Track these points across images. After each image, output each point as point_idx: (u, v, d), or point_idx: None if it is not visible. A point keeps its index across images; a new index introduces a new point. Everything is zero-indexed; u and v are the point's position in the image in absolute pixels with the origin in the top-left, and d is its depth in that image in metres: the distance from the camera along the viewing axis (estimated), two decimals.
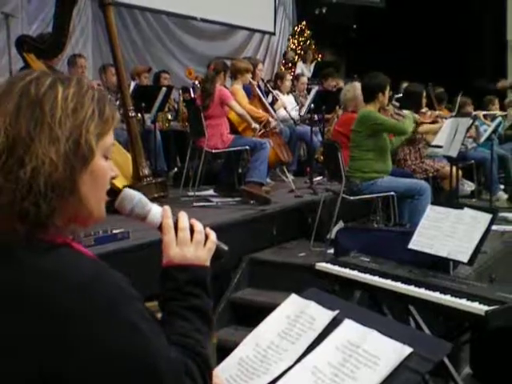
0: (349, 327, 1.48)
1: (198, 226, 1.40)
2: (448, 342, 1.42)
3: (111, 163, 1.27)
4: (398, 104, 8.22)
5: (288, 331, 1.58)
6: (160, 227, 1.39)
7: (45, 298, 1.11)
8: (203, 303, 1.34)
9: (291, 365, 1.48)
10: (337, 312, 1.55)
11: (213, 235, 1.41)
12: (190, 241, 1.37)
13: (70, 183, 1.17)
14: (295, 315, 1.61)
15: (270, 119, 7.18)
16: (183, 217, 1.40)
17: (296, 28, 14.25)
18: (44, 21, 8.99)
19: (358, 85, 6.51)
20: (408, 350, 1.34)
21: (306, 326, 1.57)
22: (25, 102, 1.17)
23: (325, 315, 1.56)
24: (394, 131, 5.75)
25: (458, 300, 3.22)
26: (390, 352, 1.35)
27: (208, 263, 1.39)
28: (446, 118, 7.19)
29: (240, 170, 7.18)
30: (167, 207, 1.41)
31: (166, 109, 8.47)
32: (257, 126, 6.83)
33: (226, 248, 1.45)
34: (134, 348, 1.12)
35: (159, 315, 1.32)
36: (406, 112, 6.64)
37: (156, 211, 1.40)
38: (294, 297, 1.70)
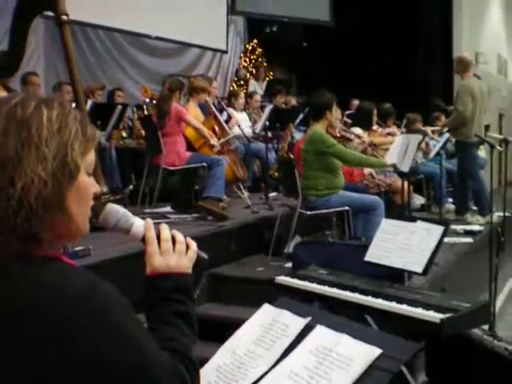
0: (321, 332, 1.58)
1: (180, 236, 1.49)
2: (413, 343, 1.53)
3: (93, 179, 1.34)
4: (349, 121, 8.43)
5: (262, 338, 1.68)
6: (143, 239, 1.47)
7: (42, 310, 1.16)
8: (188, 309, 1.42)
9: (267, 370, 1.57)
10: (309, 319, 1.65)
11: (193, 245, 1.50)
12: (173, 251, 1.45)
13: (59, 199, 1.23)
14: (269, 323, 1.71)
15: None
16: (165, 229, 1.48)
17: (247, 46, 14.40)
18: None
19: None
20: (378, 351, 1.45)
21: (279, 332, 1.66)
22: (12, 124, 1.23)
23: (297, 322, 1.66)
24: (339, 157, 5.75)
25: (413, 309, 3.34)
26: (362, 354, 1.46)
27: (190, 271, 1.47)
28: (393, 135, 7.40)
29: (196, 187, 7.25)
30: (149, 220, 1.49)
31: (121, 126, 8.51)
32: (215, 142, 6.92)
33: (205, 256, 1.54)
34: (128, 354, 1.19)
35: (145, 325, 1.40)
36: (359, 132, 6.82)
37: (139, 224, 1.48)
38: (266, 306, 1.80)
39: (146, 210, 6.70)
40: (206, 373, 1.66)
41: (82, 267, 1.33)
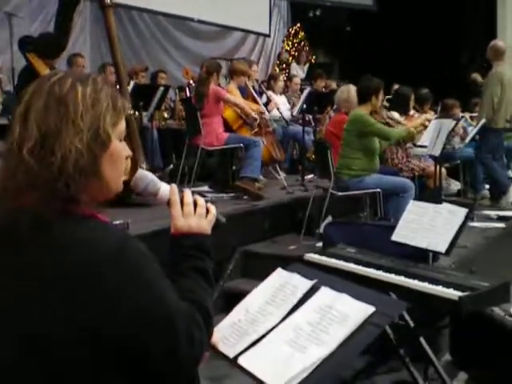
0: (324, 293, 1.76)
1: (201, 200, 1.67)
2: (403, 302, 1.70)
3: (125, 144, 1.52)
4: (387, 104, 8.49)
5: (274, 298, 1.86)
6: (168, 202, 1.66)
7: (80, 262, 1.36)
8: (206, 265, 1.60)
9: (275, 324, 1.76)
10: (315, 281, 1.83)
11: (213, 209, 1.68)
12: (194, 213, 1.64)
13: (93, 166, 1.42)
14: (280, 284, 1.89)
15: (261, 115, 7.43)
16: (188, 193, 1.67)
17: (290, 30, 14.49)
18: (44, 20, 9.22)
19: (352, 87, 6.78)
20: (372, 308, 1.62)
21: (289, 293, 1.85)
22: (51, 100, 1.42)
23: (305, 284, 1.84)
24: (379, 135, 5.93)
25: (434, 287, 3.48)
26: (357, 311, 1.63)
27: (209, 232, 1.65)
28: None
29: (234, 167, 7.43)
30: (174, 185, 1.69)
31: (163, 107, 8.73)
32: (256, 116, 7.09)
33: (223, 219, 1.72)
34: (153, 301, 1.38)
35: None
36: (396, 117, 6.91)
37: (165, 189, 1.67)
38: (279, 270, 1.99)
39: (171, 184, 6.88)
40: (222, 328, 1.84)
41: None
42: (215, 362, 1.84)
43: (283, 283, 1.90)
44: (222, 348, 1.77)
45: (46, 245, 1.39)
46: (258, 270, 5.45)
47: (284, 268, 2.00)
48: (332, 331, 1.61)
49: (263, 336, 1.73)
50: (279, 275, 1.96)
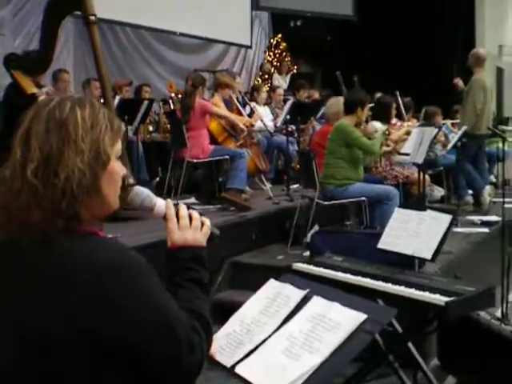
0: (317, 302, 1.82)
1: (196, 214, 1.74)
2: (394, 308, 1.76)
3: (121, 164, 1.59)
4: (369, 113, 8.58)
5: (267, 308, 1.92)
6: (164, 217, 1.72)
7: (81, 277, 1.41)
8: (202, 276, 1.67)
9: (270, 334, 1.82)
10: (307, 291, 1.89)
11: (207, 222, 1.75)
12: (189, 227, 1.70)
13: (95, 185, 1.48)
14: (273, 295, 1.96)
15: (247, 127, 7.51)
16: (183, 207, 1.74)
17: (272, 41, 14.59)
18: (27, 36, 9.20)
19: (341, 100, 6.86)
20: (363, 316, 1.69)
21: (282, 303, 1.91)
22: (52, 124, 1.48)
23: (297, 294, 1.90)
24: (363, 150, 6.00)
25: (420, 293, 3.54)
26: (349, 319, 1.70)
27: (204, 244, 1.72)
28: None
29: (220, 179, 7.49)
30: (169, 200, 1.75)
31: (148, 121, 8.77)
32: (243, 127, 7.17)
33: (217, 232, 1.78)
34: (154, 312, 1.44)
35: None
36: (378, 126, 6.99)
37: (161, 203, 1.73)
38: (272, 281, 2.05)
39: (166, 199, 6.91)
40: (218, 338, 1.90)
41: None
42: (209, 373, 1.90)
43: (276, 294, 1.96)
44: (219, 358, 1.83)
45: (48, 259, 1.44)
46: (247, 281, 5.54)
47: (276, 279, 2.06)
48: (325, 339, 1.67)
49: (259, 345, 1.79)
50: (272, 286, 2.02)
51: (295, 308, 1.87)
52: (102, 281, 1.41)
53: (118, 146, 1.56)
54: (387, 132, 6.42)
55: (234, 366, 1.77)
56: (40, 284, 1.43)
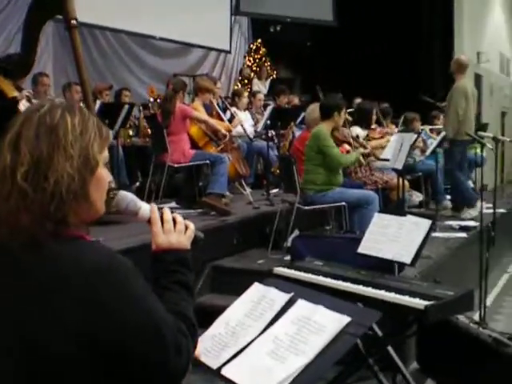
0: (301, 305, 1.85)
1: (179, 218, 1.76)
2: (377, 311, 1.80)
3: (107, 170, 1.62)
4: (350, 118, 8.65)
5: (252, 311, 1.95)
6: (149, 220, 1.74)
7: (72, 280, 1.43)
8: (187, 278, 1.70)
9: (255, 337, 1.84)
10: (292, 294, 1.92)
11: (191, 225, 1.77)
12: (174, 230, 1.72)
13: (83, 190, 1.51)
14: (258, 298, 1.98)
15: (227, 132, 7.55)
16: (167, 211, 1.76)
17: (252, 46, 14.63)
18: (7, 38, 9.16)
19: None
20: (347, 319, 1.72)
21: (267, 306, 1.93)
22: (42, 129, 1.50)
23: (282, 297, 1.93)
24: (332, 159, 6.00)
25: (400, 296, 3.60)
26: (334, 321, 1.73)
27: (189, 247, 1.75)
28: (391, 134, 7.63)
29: (200, 184, 7.50)
30: (154, 204, 1.78)
31: (127, 125, 8.76)
32: (225, 131, 7.21)
33: (202, 235, 1.81)
34: (140, 312, 1.47)
35: None
36: (358, 131, 7.05)
37: (145, 208, 1.76)
38: (256, 284, 2.07)
39: (151, 203, 6.91)
40: (203, 340, 1.92)
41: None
42: (192, 376, 1.92)
43: (261, 297, 1.99)
44: (205, 359, 1.85)
45: (39, 263, 1.46)
46: (228, 285, 5.57)
47: (261, 282, 2.09)
48: (310, 341, 1.70)
49: (244, 348, 1.81)
50: (257, 289, 2.05)
51: (280, 311, 1.89)
52: (90, 284, 1.43)
53: (106, 153, 1.59)
54: (368, 139, 6.48)
55: (219, 368, 1.79)
56: (33, 287, 1.45)
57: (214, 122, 7.23)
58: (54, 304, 1.44)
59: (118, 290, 1.45)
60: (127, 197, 1.75)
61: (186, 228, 1.76)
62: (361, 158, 6.27)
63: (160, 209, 1.77)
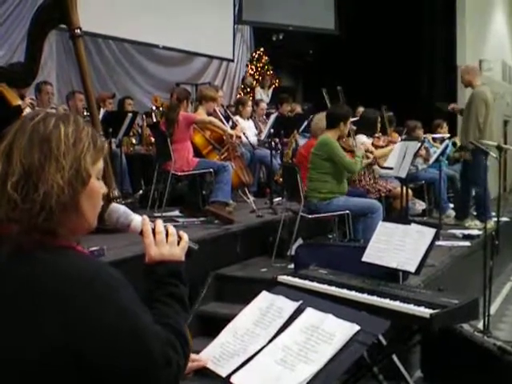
0: (310, 313, 1.85)
1: (172, 229, 1.75)
2: (386, 320, 1.80)
3: (101, 182, 1.60)
4: (354, 127, 8.67)
5: (260, 320, 1.95)
6: (141, 232, 1.74)
7: (56, 289, 1.42)
8: (180, 291, 1.68)
9: (264, 345, 1.85)
10: (300, 302, 1.93)
11: (185, 236, 1.76)
12: (166, 242, 1.72)
13: (73, 202, 1.48)
14: (266, 307, 1.99)
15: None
16: (159, 223, 1.75)
17: (254, 54, 14.67)
18: (11, 48, 9.21)
19: None
20: (356, 327, 1.72)
21: (275, 315, 1.94)
22: (35, 138, 1.48)
23: (290, 305, 1.94)
24: (345, 168, 6.04)
25: (405, 305, 3.59)
26: (343, 330, 1.73)
27: (183, 258, 1.73)
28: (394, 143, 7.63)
29: (204, 192, 7.52)
30: (145, 216, 1.77)
31: (131, 133, 8.79)
32: (230, 132, 7.25)
33: (195, 247, 1.79)
34: (127, 325, 1.44)
35: None
36: (363, 140, 7.05)
37: (137, 220, 1.75)
38: (264, 293, 2.08)
39: (156, 214, 6.95)
40: (211, 349, 1.93)
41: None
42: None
43: (269, 305, 1.99)
44: (214, 368, 1.85)
45: (23, 275, 1.44)
46: (231, 293, 5.59)
47: (269, 291, 2.09)
48: (319, 350, 1.70)
49: (253, 356, 1.82)
50: (264, 298, 2.05)
51: (288, 319, 1.90)
52: (73, 292, 1.41)
53: (100, 164, 1.57)
54: (370, 149, 6.49)
55: (229, 376, 1.79)
56: (11, 294, 1.44)
57: (219, 122, 7.29)
58: (33, 311, 1.42)
59: (102, 299, 1.43)
60: (119, 209, 1.74)
61: (180, 239, 1.75)
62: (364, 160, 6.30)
63: (152, 221, 1.76)
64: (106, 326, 1.42)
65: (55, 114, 1.56)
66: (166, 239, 1.71)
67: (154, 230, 1.72)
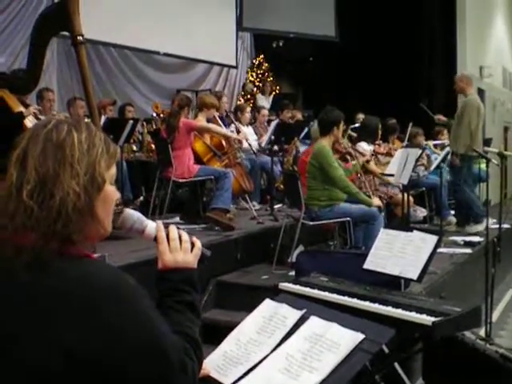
0: (314, 322, 1.84)
1: (185, 236, 1.75)
2: (391, 328, 1.79)
3: (114, 187, 1.60)
4: (354, 134, 8.66)
5: (264, 328, 1.94)
6: (155, 239, 1.73)
7: (77, 298, 1.41)
8: (193, 298, 1.68)
9: (268, 354, 1.83)
10: (304, 311, 1.92)
11: (198, 243, 1.76)
12: (180, 248, 1.71)
13: (90, 207, 1.49)
14: (269, 315, 1.98)
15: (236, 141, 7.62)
16: (173, 229, 1.75)
17: (254, 61, 14.68)
18: (12, 53, 9.22)
19: None
20: (361, 336, 1.71)
21: (279, 323, 1.93)
22: (49, 146, 1.48)
23: (294, 314, 1.93)
24: (336, 182, 5.94)
25: (407, 313, 3.58)
26: (348, 339, 1.72)
27: (195, 265, 1.73)
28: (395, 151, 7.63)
29: (204, 199, 7.51)
30: (160, 222, 1.77)
31: (131, 140, 8.78)
32: (231, 134, 7.23)
33: (208, 253, 1.79)
34: (146, 331, 1.45)
35: None
36: (365, 147, 7.05)
37: (151, 226, 1.74)
38: (268, 301, 2.07)
39: (157, 221, 6.91)
40: (215, 357, 1.92)
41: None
42: None
43: (272, 314, 1.98)
44: (217, 376, 1.84)
45: (43, 284, 1.44)
46: (232, 300, 5.56)
47: (272, 299, 2.08)
48: (323, 358, 1.69)
49: (257, 364, 1.81)
50: (268, 306, 2.04)
51: (292, 328, 1.89)
52: (94, 302, 1.41)
53: (113, 169, 1.57)
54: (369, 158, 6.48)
55: None
56: (35, 307, 1.43)
57: (220, 128, 7.29)
58: (53, 321, 1.41)
59: (123, 308, 1.44)
60: (133, 215, 1.74)
61: (193, 246, 1.74)
62: (367, 199, 6.10)
63: (166, 227, 1.76)
64: (125, 334, 1.42)
65: (66, 121, 1.56)
66: (180, 246, 1.71)
67: (167, 237, 1.72)
